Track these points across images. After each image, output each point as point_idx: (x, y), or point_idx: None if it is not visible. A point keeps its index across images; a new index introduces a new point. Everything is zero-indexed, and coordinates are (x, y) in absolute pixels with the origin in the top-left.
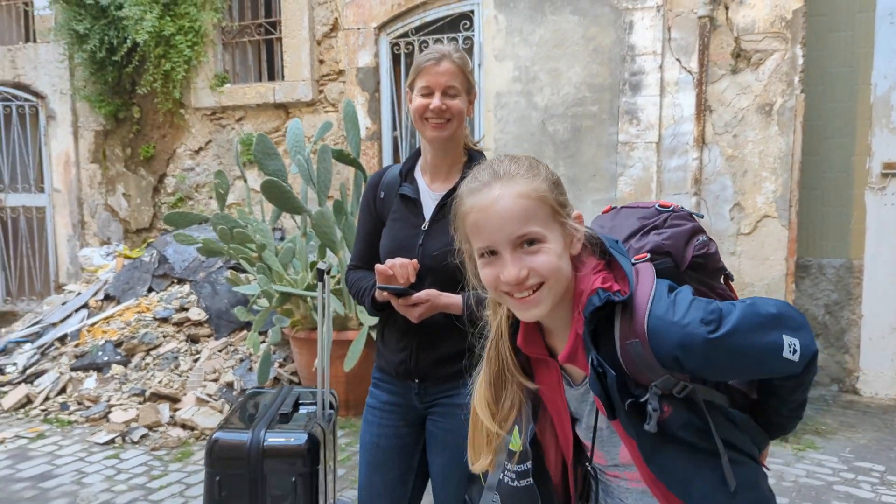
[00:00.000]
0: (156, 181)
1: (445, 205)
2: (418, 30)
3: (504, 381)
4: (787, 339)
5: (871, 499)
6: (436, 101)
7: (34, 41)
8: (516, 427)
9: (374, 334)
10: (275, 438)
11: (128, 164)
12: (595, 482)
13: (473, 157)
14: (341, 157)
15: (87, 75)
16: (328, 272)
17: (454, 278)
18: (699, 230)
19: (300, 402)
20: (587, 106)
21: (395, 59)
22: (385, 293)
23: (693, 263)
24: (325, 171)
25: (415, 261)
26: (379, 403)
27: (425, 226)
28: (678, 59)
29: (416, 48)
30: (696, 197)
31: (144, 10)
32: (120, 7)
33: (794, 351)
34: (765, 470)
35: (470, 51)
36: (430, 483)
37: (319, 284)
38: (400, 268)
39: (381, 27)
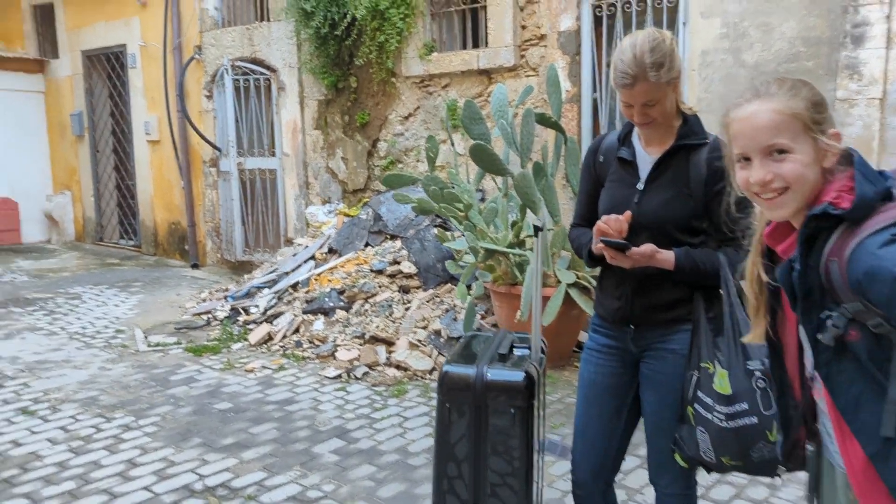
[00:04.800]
0: (370, 146)
1: (661, 165)
2: None
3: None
4: None
5: None
6: (637, 119)
7: (268, 20)
8: (726, 372)
9: (571, 292)
10: (496, 374)
11: (346, 130)
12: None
13: (688, 119)
14: (543, 120)
15: (312, 49)
16: (542, 229)
17: (668, 235)
18: None
19: (514, 345)
20: (801, 61)
21: (597, 21)
22: (602, 245)
23: None
24: (528, 135)
25: (627, 213)
26: (597, 346)
27: (641, 185)
28: None
29: (619, 9)
30: None
31: None
32: None
33: None
34: None
35: (675, 9)
36: (641, 420)
37: (535, 239)
38: (614, 222)
39: None
